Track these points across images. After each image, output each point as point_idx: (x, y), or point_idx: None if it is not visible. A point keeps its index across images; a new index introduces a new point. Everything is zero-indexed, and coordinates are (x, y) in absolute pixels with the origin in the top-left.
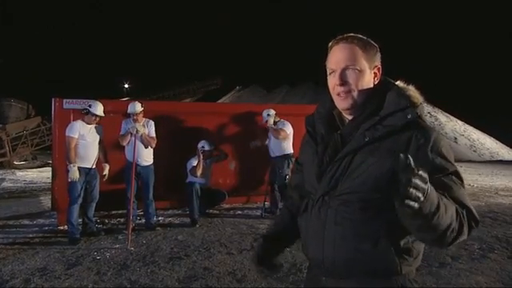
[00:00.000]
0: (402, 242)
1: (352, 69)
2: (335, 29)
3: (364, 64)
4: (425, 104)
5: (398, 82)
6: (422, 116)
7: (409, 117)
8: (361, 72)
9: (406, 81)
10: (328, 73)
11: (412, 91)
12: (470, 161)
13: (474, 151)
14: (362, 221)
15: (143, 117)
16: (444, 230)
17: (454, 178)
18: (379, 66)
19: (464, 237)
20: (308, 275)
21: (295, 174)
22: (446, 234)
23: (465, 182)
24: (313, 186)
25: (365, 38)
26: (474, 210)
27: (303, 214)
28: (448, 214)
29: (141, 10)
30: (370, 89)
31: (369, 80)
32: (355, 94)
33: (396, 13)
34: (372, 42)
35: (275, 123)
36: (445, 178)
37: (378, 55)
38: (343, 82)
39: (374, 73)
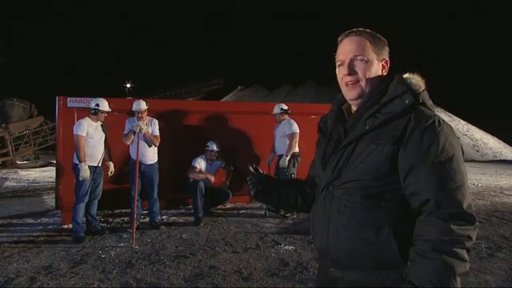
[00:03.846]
0: (405, 233)
1: (360, 59)
2: (338, 28)
3: (372, 55)
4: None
5: (406, 75)
6: (425, 102)
7: (406, 102)
8: (368, 62)
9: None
10: (337, 65)
11: (414, 79)
12: (473, 160)
13: (477, 151)
14: (364, 210)
15: (147, 115)
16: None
17: (446, 166)
18: (387, 59)
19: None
20: (319, 266)
21: (311, 168)
22: None
23: (465, 175)
24: (320, 178)
25: (373, 32)
26: (464, 206)
27: (312, 206)
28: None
29: (143, 9)
30: (378, 80)
31: (376, 71)
32: (363, 83)
33: (398, 11)
34: (380, 36)
35: (281, 120)
36: (434, 166)
37: (386, 49)
38: (351, 71)
39: (382, 65)
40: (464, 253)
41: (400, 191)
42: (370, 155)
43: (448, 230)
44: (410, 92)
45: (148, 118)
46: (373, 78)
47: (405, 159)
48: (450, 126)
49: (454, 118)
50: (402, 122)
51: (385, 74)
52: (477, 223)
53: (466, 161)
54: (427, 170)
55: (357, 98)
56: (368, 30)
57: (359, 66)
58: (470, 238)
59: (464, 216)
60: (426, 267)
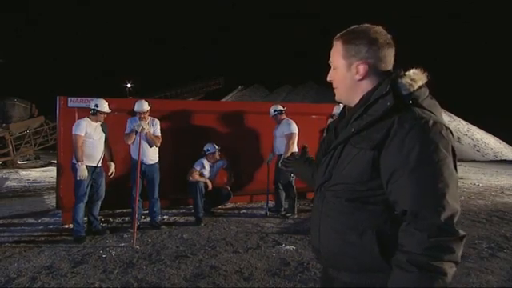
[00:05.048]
0: (389, 237)
1: (333, 67)
2: (337, 28)
3: (342, 62)
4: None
5: (411, 70)
6: (418, 102)
7: (388, 104)
8: (338, 70)
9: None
10: None
11: (408, 77)
12: (473, 160)
13: (478, 151)
14: (349, 213)
15: (149, 115)
16: None
17: (427, 174)
18: (360, 62)
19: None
20: (322, 265)
21: None
22: None
23: (451, 183)
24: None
25: (356, 31)
26: (442, 217)
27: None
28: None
29: (143, 9)
30: (352, 85)
31: (347, 77)
32: (338, 90)
33: (397, 10)
34: (361, 34)
35: (280, 121)
36: (414, 173)
37: (367, 49)
38: (330, 78)
39: (356, 70)
40: (443, 266)
41: (384, 196)
42: (352, 159)
43: (424, 242)
44: (391, 93)
45: (149, 118)
46: (346, 84)
47: (386, 165)
48: (444, 128)
49: (455, 118)
50: (385, 124)
51: (359, 77)
52: (461, 234)
53: (467, 161)
54: (407, 178)
55: (340, 102)
56: (345, 31)
57: (332, 74)
58: (450, 250)
59: (443, 227)
60: (402, 279)
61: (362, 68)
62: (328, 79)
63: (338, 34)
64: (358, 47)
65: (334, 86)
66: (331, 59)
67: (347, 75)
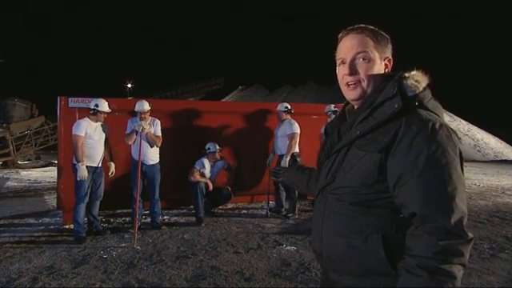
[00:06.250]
0: (396, 240)
1: (362, 58)
2: (337, 28)
3: (375, 54)
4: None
5: (413, 72)
6: (423, 104)
7: (395, 106)
8: (371, 62)
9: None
10: (337, 63)
11: (412, 79)
12: (474, 160)
13: (478, 151)
14: (353, 216)
15: (149, 115)
16: None
17: (436, 177)
18: (390, 58)
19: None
20: (322, 269)
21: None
22: None
23: (459, 186)
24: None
25: (376, 28)
26: (452, 220)
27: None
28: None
29: (143, 9)
30: (380, 80)
31: (379, 70)
32: (364, 84)
33: (397, 10)
34: (383, 33)
35: (283, 120)
36: (422, 176)
37: (390, 47)
38: (352, 71)
39: (385, 64)
40: (453, 269)
41: (391, 199)
42: (358, 162)
43: (434, 245)
44: (399, 95)
45: (150, 118)
46: (375, 78)
47: (393, 168)
48: (451, 131)
49: (456, 118)
50: (392, 127)
51: (387, 73)
52: (469, 237)
53: (467, 161)
54: (415, 181)
55: (357, 99)
56: (370, 27)
57: (361, 66)
58: (459, 253)
59: (452, 231)
60: (412, 283)
61: (390, 63)
62: (355, 69)
63: (356, 28)
64: (388, 43)
65: (356, 79)
66: (362, 50)
67: (380, 69)
